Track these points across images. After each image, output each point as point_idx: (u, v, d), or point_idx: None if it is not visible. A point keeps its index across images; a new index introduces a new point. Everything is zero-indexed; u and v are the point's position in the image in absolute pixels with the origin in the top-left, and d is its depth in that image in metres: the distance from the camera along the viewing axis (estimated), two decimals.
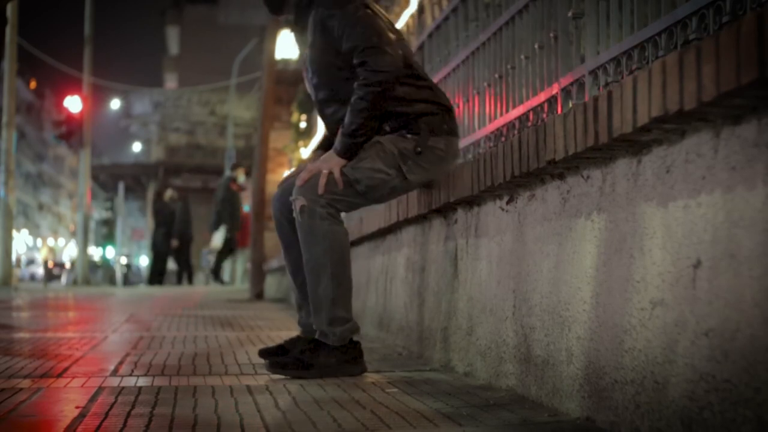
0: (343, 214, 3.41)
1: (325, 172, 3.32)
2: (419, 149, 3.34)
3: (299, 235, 3.36)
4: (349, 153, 3.35)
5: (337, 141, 3.37)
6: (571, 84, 2.75)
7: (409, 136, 3.36)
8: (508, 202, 2.93)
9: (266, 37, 12.37)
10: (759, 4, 1.90)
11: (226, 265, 20.87)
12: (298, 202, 3.32)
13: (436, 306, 3.71)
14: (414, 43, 5.05)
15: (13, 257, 15.59)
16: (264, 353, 3.54)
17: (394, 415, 2.38)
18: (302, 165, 3.63)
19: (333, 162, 3.35)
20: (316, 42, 3.44)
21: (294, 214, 3.36)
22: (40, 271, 39.33)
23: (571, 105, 2.63)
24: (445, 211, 3.62)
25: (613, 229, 2.18)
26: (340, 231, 3.34)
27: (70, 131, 19.81)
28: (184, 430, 2.20)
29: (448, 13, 4.23)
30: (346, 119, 3.35)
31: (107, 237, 38.55)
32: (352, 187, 3.34)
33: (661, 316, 1.92)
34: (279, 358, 3.35)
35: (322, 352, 3.27)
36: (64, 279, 30.20)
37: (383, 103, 3.32)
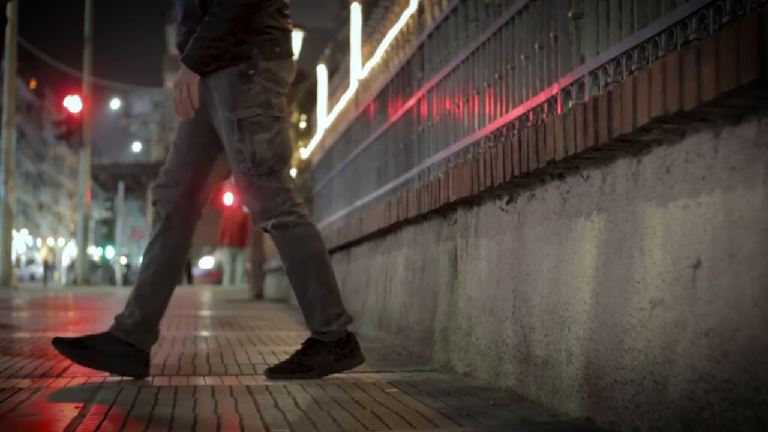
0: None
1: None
2: (251, 71, 3.23)
3: (277, 248, 3.33)
4: (198, 65, 3.20)
5: (189, 48, 3.22)
6: (571, 84, 2.75)
7: (243, 66, 3.23)
8: (508, 202, 2.93)
9: None
10: (759, 4, 1.90)
11: (227, 265, 20.90)
12: (267, 224, 3.29)
13: (435, 306, 3.71)
14: (414, 43, 5.05)
15: (13, 257, 15.59)
16: (60, 343, 3.25)
17: (393, 415, 2.38)
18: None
19: (185, 78, 3.23)
20: None
21: (270, 234, 3.33)
22: (39, 270, 39.35)
23: (571, 105, 2.63)
24: (444, 211, 3.62)
25: (613, 229, 2.18)
26: (312, 233, 3.31)
27: (70, 131, 19.83)
28: (183, 430, 2.20)
29: (448, 13, 4.23)
30: (204, 26, 3.18)
31: (107, 237, 38.60)
32: (275, 173, 3.26)
33: (660, 316, 1.92)
34: (279, 363, 3.33)
35: (319, 351, 3.27)
36: (64, 278, 30.21)
37: (246, 22, 3.18)
